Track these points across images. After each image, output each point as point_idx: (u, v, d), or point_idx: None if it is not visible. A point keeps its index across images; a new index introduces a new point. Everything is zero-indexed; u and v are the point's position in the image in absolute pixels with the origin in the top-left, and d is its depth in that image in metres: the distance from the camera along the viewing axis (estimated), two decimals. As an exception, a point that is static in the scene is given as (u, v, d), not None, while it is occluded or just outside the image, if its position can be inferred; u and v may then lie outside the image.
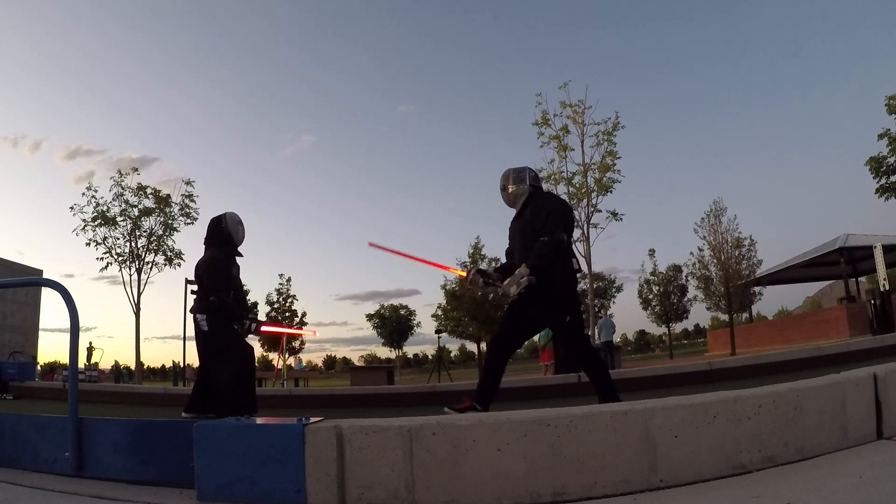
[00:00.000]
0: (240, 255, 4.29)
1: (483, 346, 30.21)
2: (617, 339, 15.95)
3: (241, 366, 4.01)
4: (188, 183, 20.68)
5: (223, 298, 4.02)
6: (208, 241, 4.23)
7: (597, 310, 17.19)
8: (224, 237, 4.18)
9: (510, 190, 3.52)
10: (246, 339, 4.30)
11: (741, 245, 23.23)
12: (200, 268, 4.14)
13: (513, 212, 3.59)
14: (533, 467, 1.95)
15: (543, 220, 3.23)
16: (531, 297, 3.25)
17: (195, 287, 4.24)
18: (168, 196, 20.50)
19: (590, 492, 1.94)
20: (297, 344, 31.62)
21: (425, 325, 48.44)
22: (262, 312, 32.06)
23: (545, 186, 17.33)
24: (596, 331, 16.19)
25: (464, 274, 3.59)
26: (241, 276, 4.39)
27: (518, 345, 3.54)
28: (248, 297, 27.54)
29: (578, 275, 3.43)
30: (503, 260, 3.72)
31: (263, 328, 4.38)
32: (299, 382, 19.20)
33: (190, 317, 4.18)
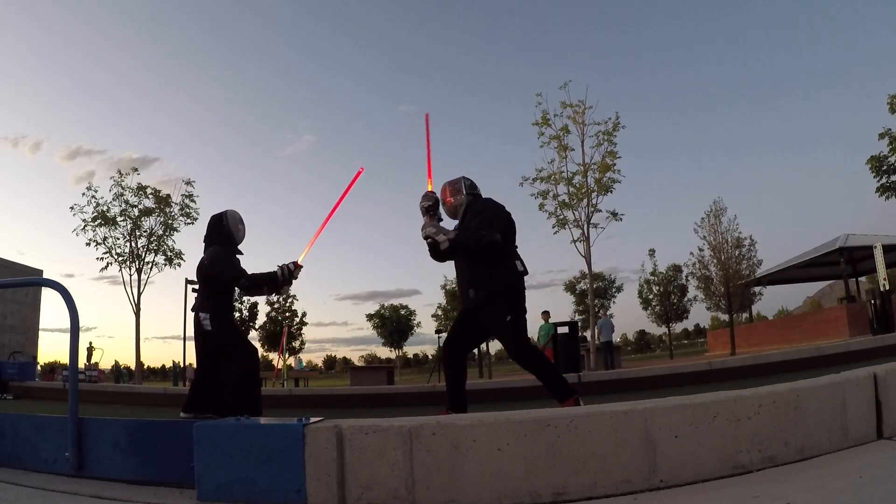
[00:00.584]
0: (240, 253, 4.27)
1: (483, 346, 30.23)
2: (617, 339, 15.91)
3: (247, 365, 3.99)
4: (188, 183, 20.73)
5: (250, 277, 3.99)
6: (209, 239, 4.18)
7: (597, 310, 17.14)
8: (225, 235, 4.15)
9: (449, 203, 3.55)
10: (285, 288, 4.19)
11: (741, 245, 23.19)
12: (208, 265, 4.06)
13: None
14: (533, 467, 1.95)
15: (479, 222, 3.27)
16: (479, 301, 3.31)
17: (197, 286, 4.22)
18: (168, 196, 20.54)
19: (590, 492, 1.94)
20: (297, 344, 31.64)
21: (425, 325, 48.34)
22: (262, 312, 32.09)
23: (545, 186, 17.44)
24: (596, 331, 16.18)
25: (430, 188, 3.57)
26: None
27: (470, 347, 3.66)
28: (246, 298, 27.53)
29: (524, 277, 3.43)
30: None
31: (299, 260, 4.18)
32: (299, 382, 19.22)
33: (190, 316, 4.14)
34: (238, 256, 4.25)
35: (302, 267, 4.15)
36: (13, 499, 2.38)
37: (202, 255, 4.20)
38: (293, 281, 4.15)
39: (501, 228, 3.31)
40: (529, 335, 3.61)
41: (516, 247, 3.45)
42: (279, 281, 4.09)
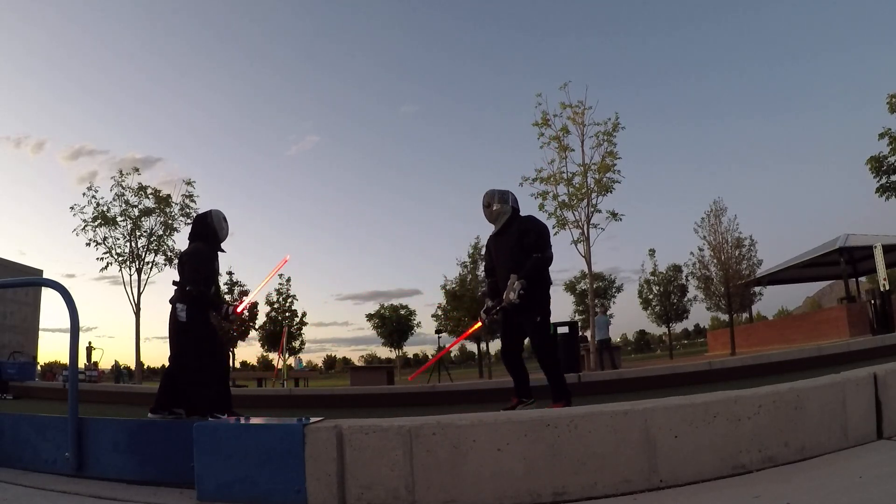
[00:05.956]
0: (222, 250, 4.37)
1: (483, 346, 30.23)
2: (616, 338, 15.75)
3: (216, 359, 4.06)
4: (188, 183, 20.75)
5: (202, 289, 4.05)
6: (193, 236, 4.30)
7: (596, 310, 17.11)
8: (209, 232, 4.25)
9: (494, 208, 3.86)
10: (224, 326, 4.31)
11: (741, 245, 23.19)
12: (184, 258, 4.19)
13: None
14: (533, 467, 1.95)
15: (534, 239, 3.66)
16: (519, 304, 3.64)
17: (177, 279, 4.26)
18: (168, 196, 20.53)
19: (590, 492, 1.94)
20: (297, 344, 31.64)
21: (425, 325, 48.20)
22: (262, 312, 32.03)
23: (545, 187, 17.40)
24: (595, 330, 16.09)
25: (479, 324, 4.18)
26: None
27: (520, 348, 3.94)
28: (247, 297, 27.61)
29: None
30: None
31: (239, 308, 4.52)
32: (299, 382, 19.21)
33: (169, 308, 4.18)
34: (221, 253, 4.34)
35: (239, 315, 4.35)
36: (13, 499, 2.38)
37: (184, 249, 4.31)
38: (228, 322, 4.31)
39: (550, 246, 3.75)
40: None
41: None
42: (219, 315, 4.26)
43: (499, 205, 3.85)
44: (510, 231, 3.77)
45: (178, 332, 4.05)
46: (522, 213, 3.94)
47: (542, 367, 3.65)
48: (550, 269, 3.78)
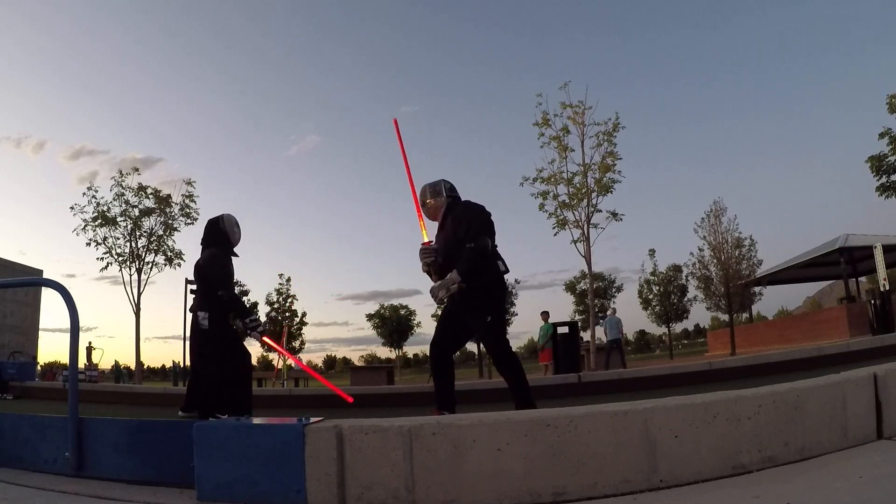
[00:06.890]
0: (235, 255, 4.33)
1: (483, 346, 30.23)
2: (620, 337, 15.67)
3: (241, 363, 4.04)
4: (189, 183, 20.77)
5: (233, 294, 4.07)
6: (206, 241, 4.27)
7: (596, 310, 17.09)
8: (221, 237, 4.23)
9: (429, 204, 3.59)
10: (246, 337, 4.33)
11: (741, 245, 23.23)
12: (203, 265, 4.16)
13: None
14: (533, 467, 1.95)
15: (466, 228, 3.30)
16: (459, 302, 3.33)
17: (194, 287, 4.28)
18: (168, 196, 20.55)
19: (590, 492, 1.94)
20: (297, 344, 31.65)
21: (425, 325, 48.22)
22: (262, 312, 32.08)
23: (546, 187, 17.45)
24: (603, 329, 16.06)
25: (427, 241, 3.60)
26: (241, 275, 4.42)
27: (454, 348, 3.58)
28: (247, 297, 27.67)
29: (505, 276, 3.48)
30: None
31: (265, 338, 4.46)
32: (299, 382, 19.22)
33: (189, 316, 4.20)
34: (234, 258, 4.31)
35: (262, 340, 4.38)
36: (13, 499, 2.38)
37: (199, 256, 4.28)
38: (247, 333, 4.30)
39: (493, 233, 3.39)
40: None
41: (496, 246, 3.48)
42: (243, 325, 4.26)
43: (432, 199, 3.56)
44: (446, 224, 3.46)
45: (201, 339, 4.06)
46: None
47: (504, 373, 3.40)
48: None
